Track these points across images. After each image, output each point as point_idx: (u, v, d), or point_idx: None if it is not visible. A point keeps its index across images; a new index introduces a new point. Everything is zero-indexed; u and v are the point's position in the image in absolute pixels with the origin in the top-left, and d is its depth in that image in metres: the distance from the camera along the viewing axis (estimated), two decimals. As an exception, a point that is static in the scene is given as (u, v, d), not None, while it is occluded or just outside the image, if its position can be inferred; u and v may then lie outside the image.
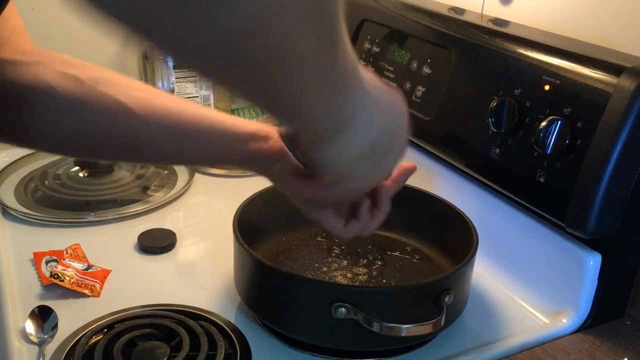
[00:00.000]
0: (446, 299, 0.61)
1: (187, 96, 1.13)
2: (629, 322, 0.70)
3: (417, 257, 0.78)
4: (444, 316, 0.60)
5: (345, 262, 0.76)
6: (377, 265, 0.76)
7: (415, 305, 0.61)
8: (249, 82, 0.36)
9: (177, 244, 0.82)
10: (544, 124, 0.66)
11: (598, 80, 0.64)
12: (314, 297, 0.61)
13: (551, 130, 0.65)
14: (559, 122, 0.65)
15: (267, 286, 0.65)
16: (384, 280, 0.73)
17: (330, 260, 0.76)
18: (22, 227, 0.86)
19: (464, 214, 0.73)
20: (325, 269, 0.74)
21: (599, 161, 0.62)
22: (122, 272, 0.76)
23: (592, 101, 0.63)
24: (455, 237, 0.73)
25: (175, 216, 0.91)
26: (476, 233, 0.69)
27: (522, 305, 0.73)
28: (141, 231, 0.83)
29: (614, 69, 0.63)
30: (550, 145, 0.65)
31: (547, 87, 0.68)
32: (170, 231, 0.83)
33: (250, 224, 0.71)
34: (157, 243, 0.81)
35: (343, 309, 0.59)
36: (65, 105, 0.55)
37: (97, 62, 1.18)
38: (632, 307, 0.71)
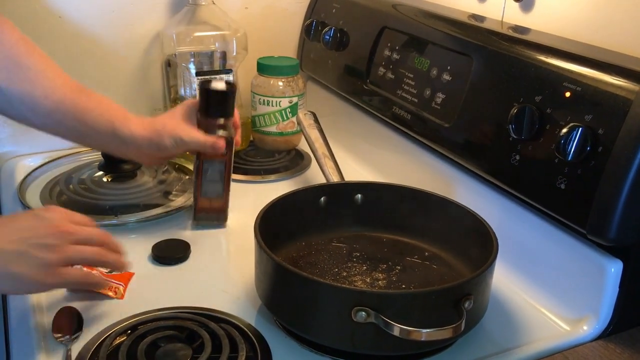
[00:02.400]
0: (466, 305, 0.61)
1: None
2: (650, 330, 0.70)
3: (436, 262, 0.78)
4: (463, 321, 0.60)
5: (364, 267, 0.76)
6: (396, 271, 0.76)
7: (435, 310, 0.61)
8: None
9: (191, 254, 0.83)
10: (564, 130, 0.66)
11: (619, 87, 0.64)
12: (335, 301, 0.62)
13: (572, 137, 0.65)
14: (580, 129, 0.65)
15: (288, 290, 0.66)
16: (403, 285, 0.73)
17: (349, 265, 0.77)
18: (47, 230, 0.87)
19: (483, 219, 0.73)
20: (345, 273, 0.75)
21: (620, 168, 0.62)
22: (145, 275, 0.77)
23: (613, 108, 0.63)
24: (474, 243, 0.73)
25: (196, 221, 0.92)
26: (496, 239, 0.69)
27: (542, 312, 0.73)
28: (163, 236, 0.85)
29: (635, 76, 0.64)
30: (571, 152, 0.65)
31: (568, 94, 0.68)
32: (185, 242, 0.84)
33: (270, 229, 0.72)
34: (172, 253, 0.82)
35: (363, 312, 0.59)
36: None
37: (121, 66, 1.21)
38: (654, 315, 0.70)
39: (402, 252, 0.80)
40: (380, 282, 0.74)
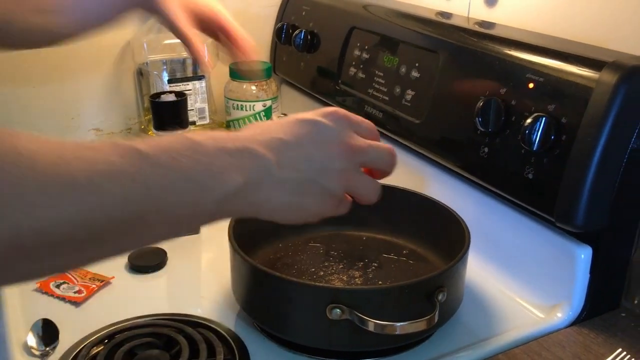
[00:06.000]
0: (439, 297, 0.62)
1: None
2: (623, 314, 0.71)
3: (413, 258, 0.79)
4: (437, 313, 0.60)
5: (341, 266, 0.77)
6: (373, 268, 0.76)
7: (408, 304, 0.62)
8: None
9: (167, 261, 0.82)
10: (529, 121, 0.67)
11: (580, 76, 0.65)
12: (309, 300, 0.62)
13: (536, 127, 0.66)
14: (544, 118, 0.66)
15: (262, 292, 0.66)
16: (380, 282, 0.74)
17: (326, 264, 0.77)
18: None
19: (455, 213, 0.74)
20: (321, 273, 0.75)
21: (584, 155, 0.63)
22: (122, 284, 0.77)
23: (575, 97, 0.64)
24: (448, 237, 0.74)
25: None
26: (468, 231, 0.70)
27: (517, 301, 0.74)
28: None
29: (595, 65, 0.65)
30: (536, 142, 0.66)
31: (531, 85, 0.69)
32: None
33: (246, 232, 0.72)
34: (149, 261, 0.81)
35: (338, 310, 0.60)
36: None
37: (93, 77, 1.20)
38: (626, 298, 0.71)
39: (379, 250, 0.80)
40: (357, 279, 0.74)
